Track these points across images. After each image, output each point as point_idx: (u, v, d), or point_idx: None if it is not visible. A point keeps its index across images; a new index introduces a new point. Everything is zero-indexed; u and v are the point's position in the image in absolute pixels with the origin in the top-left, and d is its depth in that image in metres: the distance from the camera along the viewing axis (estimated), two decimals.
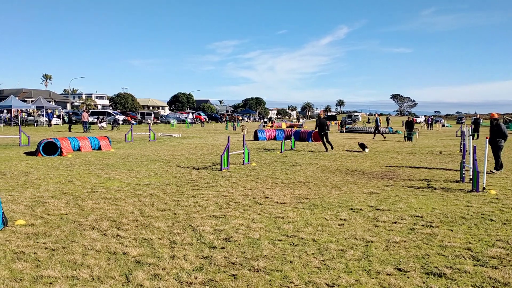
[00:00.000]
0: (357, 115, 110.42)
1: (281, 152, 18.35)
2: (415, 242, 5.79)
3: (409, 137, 28.72)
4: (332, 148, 19.56)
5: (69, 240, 5.67)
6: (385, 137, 31.67)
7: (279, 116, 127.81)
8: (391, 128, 45.25)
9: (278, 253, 5.28)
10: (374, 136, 31.74)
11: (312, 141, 25.57)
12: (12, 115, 49.19)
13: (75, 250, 5.24)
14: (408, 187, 10.14)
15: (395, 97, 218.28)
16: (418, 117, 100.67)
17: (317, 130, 19.20)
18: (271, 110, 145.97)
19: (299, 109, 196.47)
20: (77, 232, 6.05)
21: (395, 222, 6.80)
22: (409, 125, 29.38)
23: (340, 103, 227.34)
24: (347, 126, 48.33)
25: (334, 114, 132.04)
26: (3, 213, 6.22)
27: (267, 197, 8.68)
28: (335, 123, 70.34)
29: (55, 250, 5.24)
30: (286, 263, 4.92)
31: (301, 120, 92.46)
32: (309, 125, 58.77)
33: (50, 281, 4.31)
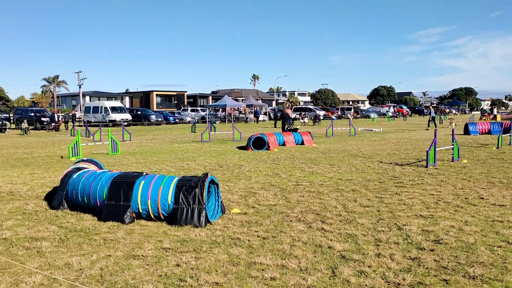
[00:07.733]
0: None
1: (497, 148, 16.42)
2: None
3: None
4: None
5: (278, 230, 6.02)
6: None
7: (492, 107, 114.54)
8: None
9: (498, 260, 4.70)
10: None
11: None
12: (226, 113, 54.97)
13: (283, 240, 5.53)
14: None
15: None
16: None
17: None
18: (484, 100, 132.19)
19: None
20: (285, 223, 6.38)
21: None
22: None
23: None
24: None
25: None
26: (222, 201, 6.95)
27: (482, 198, 7.83)
28: None
29: (266, 239, 5.61)
30: (508, 273, 4.35)
31: None
32: None
33: (262, 267, 4.62)
